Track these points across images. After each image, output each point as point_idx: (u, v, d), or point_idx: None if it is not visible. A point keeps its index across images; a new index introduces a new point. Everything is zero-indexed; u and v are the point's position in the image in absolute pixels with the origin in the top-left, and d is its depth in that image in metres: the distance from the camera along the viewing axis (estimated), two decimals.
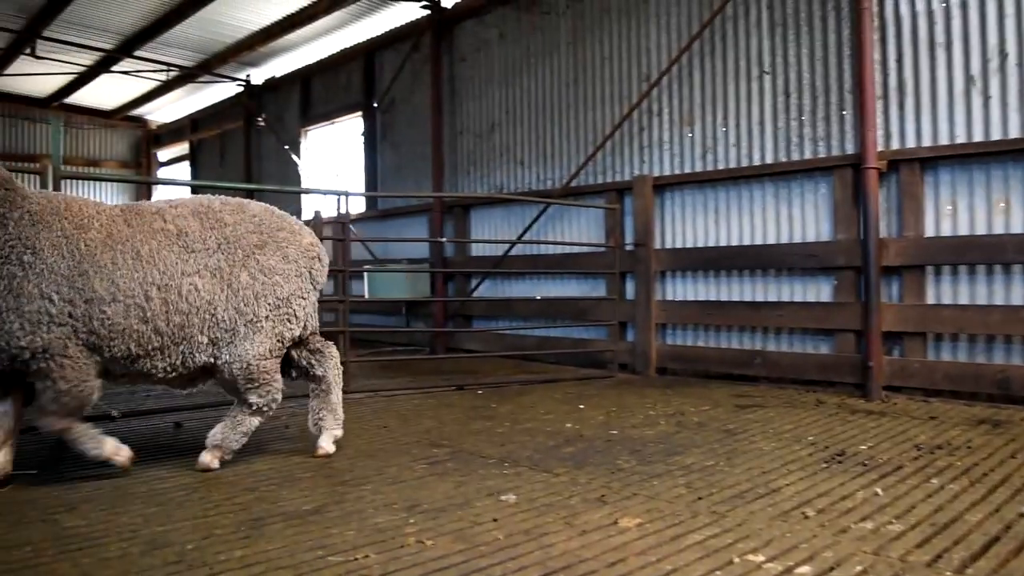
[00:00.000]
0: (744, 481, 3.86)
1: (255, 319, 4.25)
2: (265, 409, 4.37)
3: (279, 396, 4.40)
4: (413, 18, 11.25)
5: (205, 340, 4.15)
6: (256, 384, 4.29)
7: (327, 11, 11.16)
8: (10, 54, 13.79)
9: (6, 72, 14.81)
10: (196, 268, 4.12)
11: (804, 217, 6.98)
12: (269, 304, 4.29)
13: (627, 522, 3.23)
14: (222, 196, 4.50)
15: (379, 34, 12.08)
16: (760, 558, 2.82)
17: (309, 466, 4.34)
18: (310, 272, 4.51)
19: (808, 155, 6.96)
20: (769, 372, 7.06)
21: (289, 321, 4.39)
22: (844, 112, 6.72)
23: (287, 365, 4.62)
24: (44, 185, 5.21)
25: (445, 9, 10.64)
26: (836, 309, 6.64)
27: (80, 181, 18.09)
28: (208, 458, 4.28)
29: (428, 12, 10.67)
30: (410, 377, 8.14)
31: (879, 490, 3.63)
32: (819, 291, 6.87)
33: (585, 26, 8.93)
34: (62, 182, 5.19)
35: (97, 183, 18.69)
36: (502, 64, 10.01)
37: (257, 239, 4.33)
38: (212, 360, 4.22)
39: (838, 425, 5.20)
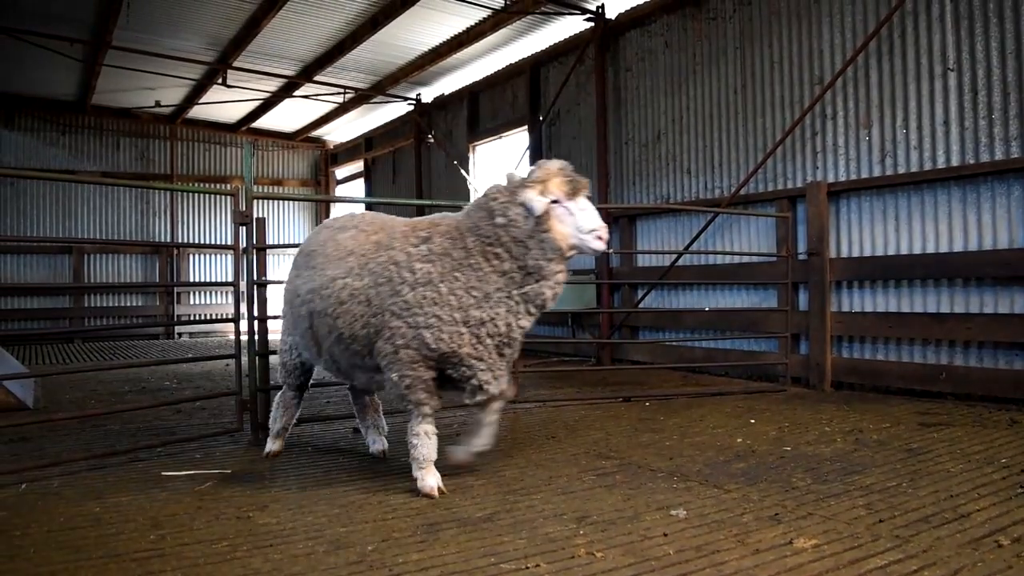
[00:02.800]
0: (930, 504, 3.67)
1: None
2: None
3: None
4: (577, 31, 11.36)
5: None
6: None
7: (493, 29, 11.48)
8: (204, 84, 15.02)
9: (201, 101, 16.10)
10: None
11: (995, 223, 6.53)
12: None
13: (803, 543, 3.15)
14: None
15: (543, 48, 12.27)
16: None
17: (481, 474, 4.47)
18: None
19: (999, 156, 6.50)
20: (956, 388, 6.64)
21: None
22: None
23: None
24: (237, 205, 5.59)
25: (609, 20, 10.67)
26: None
27: (267, 200, 19.42)
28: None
29: (592, 24, 10.74)
30: (576, 388, 8.21)
31: None
32: (1013, 302, 6.40)
33: (753, 30, 8.73)
34: (253, 201, 5.57)
35: (281, 201, 19.93)
36: (667, 72, 9.93)
37: None
38: None
39: None
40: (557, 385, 8.50)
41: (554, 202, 3.99)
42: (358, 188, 19.58)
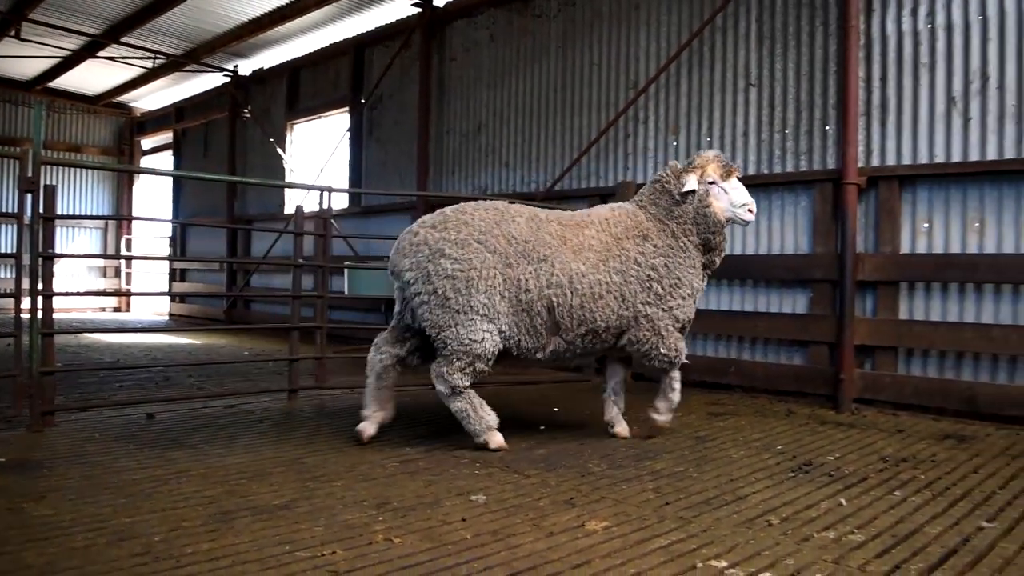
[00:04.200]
0: (712, 488, 3.91)
1: None
2: None
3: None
4: (404, 15, 11.26)
5: None
6: None
7: (317, 5, 11.14)
8: None
9: None
10: None
11: (783, 230, 7.05)
12: None
13: (594, 525, 3.27)
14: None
15: (369, 30, 12.09)
16: (722, 564, 2.86)
17: (280, 461, 4.36)
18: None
19: (790, 168, 7.03)
20: (743, 381, 7.13)
21: None
22: (827, 127, 6.79)
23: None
24: (24, 170, 5.12)
25: (437, 8, 10.65)
26: (811, 321, 6.72)
27: (61, 167, 17.95)
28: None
29: (419, 10, 10.67)
30: None
31: (843, 500, 3.69)
32: (795, 303, 6.94)
33: (575, 31, 8.97)
34: (42, 167, 5.11)
35: (78, 170, 18.50)
36: (491, 65, 10.04)
37: None
38: None
39: (807, 435, 5.26)
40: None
41: (711, 183, 4.86)
42: (166, 160, 18.48)
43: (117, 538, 3.04)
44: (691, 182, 4.83)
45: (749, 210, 4.90)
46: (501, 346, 4.69)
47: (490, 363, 4.70)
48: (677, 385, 5.00)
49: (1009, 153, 5.81)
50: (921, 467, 4.39)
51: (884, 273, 6.30)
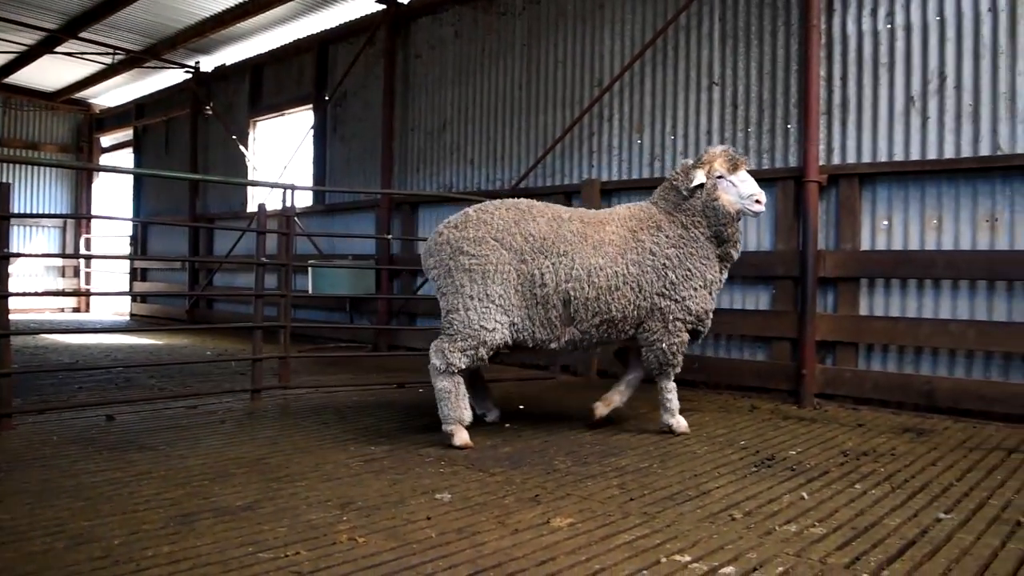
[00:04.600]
0: (676, 483, 3.93)
1: None
2: None
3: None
4: (369, 12, 11.18)
5: None
6: None
7: (281, 0, 11.02)
8: None
9: None
10: None
11: (746, 227, 7.10)
12: None
13: (559, 522, 3.27)
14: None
15: (333, 26, 11.99)
16: (686, 558, 2.88)
17: (243, 462, 4.31)
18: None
19: (753, 166, 7.00)
20: (707, 377, 7.18)
21: None
22: (789, 126, 6.86)
23: None
24: None
25: (401, 5, 10.59)
26: (773, 317, 6.79)
27: (18, 165, 17.55)
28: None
29: (384, 7, 10.61)
30: (352, 374, 8.10)
31: (805, 494, 3.73)
32: (758, 299, 7.01)
33: (540, 29, 8.98)
34: None
35: (36, 168, 18.14)
36: (456, 63, 10.01)
37: None
38: None
39: (770, 430, 5.32)
40: (333, 371, 8.35)
41: (719, 177, 4.99)
42: (126, 158, 18.18)
43: (76, 542, 2.99)
44: (699, 177, 4.99)
45: (757, 200, 5.01)
46: (509, 340, 4.89)
47: (491, 352, 4.87)
48: (670, 395, 5.18)
49: (966, 152, 5.91)
50: (881, 460, 4.45)
51: (845, 270, 6.38)
